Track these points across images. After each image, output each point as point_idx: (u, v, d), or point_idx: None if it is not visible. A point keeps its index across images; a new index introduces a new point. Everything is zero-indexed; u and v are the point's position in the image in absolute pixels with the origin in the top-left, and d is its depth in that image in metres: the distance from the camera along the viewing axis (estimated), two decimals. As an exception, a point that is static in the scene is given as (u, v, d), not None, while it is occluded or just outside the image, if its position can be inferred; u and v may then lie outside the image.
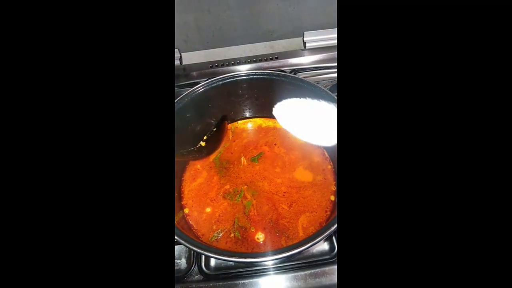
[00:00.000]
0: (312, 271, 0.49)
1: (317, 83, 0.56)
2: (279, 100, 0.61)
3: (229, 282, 0.49)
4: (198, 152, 0.59)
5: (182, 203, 0.57)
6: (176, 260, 0.53)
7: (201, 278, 0.51)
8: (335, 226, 0.40)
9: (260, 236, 0.52)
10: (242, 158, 0.61)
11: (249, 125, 0.67)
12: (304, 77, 0.64)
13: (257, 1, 0.77)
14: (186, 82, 0.76)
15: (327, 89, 0.54)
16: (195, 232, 0.54)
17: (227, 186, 0.58)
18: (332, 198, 0.55)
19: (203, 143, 0.60)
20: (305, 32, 0.82)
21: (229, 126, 0.66)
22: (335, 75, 0.75)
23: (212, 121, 0.64)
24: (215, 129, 0.61)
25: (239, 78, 0.58)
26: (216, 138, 0.62)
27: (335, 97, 0.52)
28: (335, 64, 0.76)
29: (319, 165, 0.59)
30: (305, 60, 0.79)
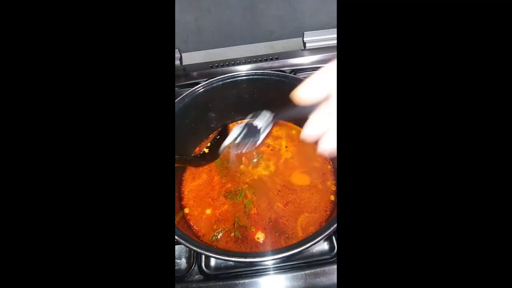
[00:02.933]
0: (312, 270, 0.49)
1: (317, 83, 0.56)
2: (279, 100, 0.61)
3: (229, 282, 0.49)
4: (200, 159, 0.59)
5: (182, 203, 0.57)
6: (176, 260, 0.53)
7: (201, 278, 0.51)
8: (335, 226, 0.40)
9: (260, 236, 0.52)
10: (243, 158, 0.61)
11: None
12: (304, 77, 0.64)
13: (257, 1, 0.77)
14: (186, 82, 0.76)
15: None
16: (195, 232, 0.54)
17: (229, 185, 0.58)
18: (332, 198, 0.55)
19: (206, 150, 0.60)
20: (305, 32, 0.82)
21: (230, 126, 0.66)
22: (335, 75, 0.74)
23: (213, 119, 0.64)
24: (218, 136, 0.60)
25: (239, 78, 0.58)
26: (219, 145, 0.62)
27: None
28: (335, 64, 0.76)
29: (318, 167, 0.59)
30: (305, 60, 0.79)
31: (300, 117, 0.31)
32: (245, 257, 0.41)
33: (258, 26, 0.82)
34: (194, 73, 0.79)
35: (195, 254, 0.53)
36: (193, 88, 0.57)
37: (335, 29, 0.80)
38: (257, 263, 0.49)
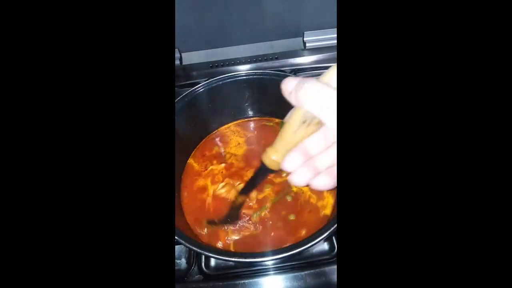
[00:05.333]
0: (312, 271, 0.49)
1: (317, 83, 0.56)
2: (279, 100, 0.61)
3: (229, 282, 0.49)
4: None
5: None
6: (176, 260, 0.53)
7: (201, 278, 0.51)
8: (335, 226, 0.40)
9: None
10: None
11: (250, 125, 0.67)
12: (304, 77, 0.64)
13: (257, 1, 0.76)
14: (186, 82, 0.76)
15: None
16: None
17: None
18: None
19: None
20: (305, 32, 0.81)
21: (228, 125, 0.66)
22: (335, 75, 0.74)
23: (212, 119, 0.64)
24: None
25: (239, 78, 0.58)
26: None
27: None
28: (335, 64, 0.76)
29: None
30: (305, 60, 0.79)
31: None
32: (245, 257, 0.41)
33: (258, 26, 0.82)
34: (194, 73, 0.79)
35: (195, 254, 0.53)
36: (193, 88, 0.57)
37: (335, 29, 0.80)
38: (257, 263, 0.49)
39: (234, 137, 0.65)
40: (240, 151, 0.63)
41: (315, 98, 0.26)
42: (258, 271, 0.50)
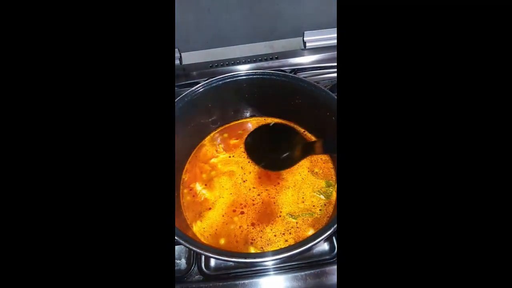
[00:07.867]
0: (312, 271, 0.49)
1: (317, 83, 0.56)
2: (279, 100, 0.61)
3: (229, 282, 0.49)
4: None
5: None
6: (176, 260, 0.53)
7: (201, 278, 0.51)
8: (335, 226, 0.40)
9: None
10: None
11: (249, 125, 0.67)
12: (304, 77, 0.64)
13: (257, 1, 0.76)
14: (186, 82, 0.76)
15: (327, 89, 0.54)
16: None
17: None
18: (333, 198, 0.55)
19: None
20: (305, 32, 0.82)
21: (228, 125, 0.66)
22: (335, 75, 0.75)
23: (212, 119, 0.64)
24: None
25: (239, 77, 0.58)
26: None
27: (335, 97, 0.52)
28: (335, 64, 0.76)
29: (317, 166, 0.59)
30: (305, 60, 0.79)
31: None
32: (245, 258, 0.41)
33: (258, 26, 0.82)
34: (194, 73, 0.79)
35: (194, 255, 0.53)
36: (193, 88, 0.57)
37: (335, 29, 0.80)
38: (257, 263, 0.49)
39: (234, 137, 0.65)
40: (239, 150, 0.63)
41: None
42: (258, 271, 0.50)
